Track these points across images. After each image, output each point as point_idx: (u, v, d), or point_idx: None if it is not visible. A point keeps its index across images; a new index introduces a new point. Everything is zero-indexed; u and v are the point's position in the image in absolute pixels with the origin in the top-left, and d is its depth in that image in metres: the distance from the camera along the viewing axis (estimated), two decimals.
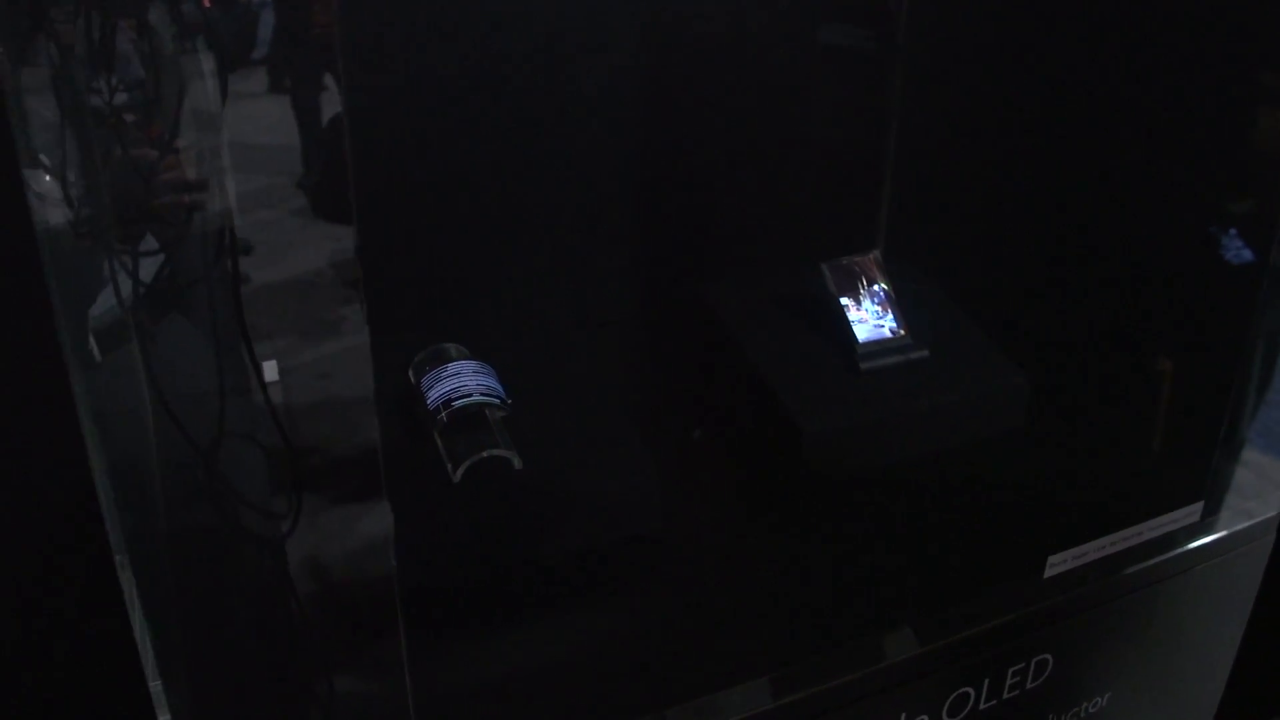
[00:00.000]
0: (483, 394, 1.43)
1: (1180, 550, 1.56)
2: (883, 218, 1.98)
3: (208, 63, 1.05)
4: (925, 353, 1.62)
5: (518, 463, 1.41)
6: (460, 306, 1.75)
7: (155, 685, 1.05)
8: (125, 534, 1.05)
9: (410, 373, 1.51)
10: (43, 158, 1.51)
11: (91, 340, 1.08)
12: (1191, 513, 1.56)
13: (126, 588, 1.02)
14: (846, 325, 1.61)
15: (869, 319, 1.62)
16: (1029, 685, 1.49)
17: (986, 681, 1.44)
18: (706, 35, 1.73)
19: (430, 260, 1.71)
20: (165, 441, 1.38)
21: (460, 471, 1.39)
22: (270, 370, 1.28)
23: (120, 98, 1.06)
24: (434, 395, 1.44)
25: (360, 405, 1.31)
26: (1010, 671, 1.46)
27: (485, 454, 1.40)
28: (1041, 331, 1.73)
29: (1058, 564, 1.43)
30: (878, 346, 1.61)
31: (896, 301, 1.64)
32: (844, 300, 1.62)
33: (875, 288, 1.64)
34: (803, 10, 1.81)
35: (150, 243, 1.42)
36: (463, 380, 1.45)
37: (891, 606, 1.40)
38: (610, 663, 1.34)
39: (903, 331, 1.62)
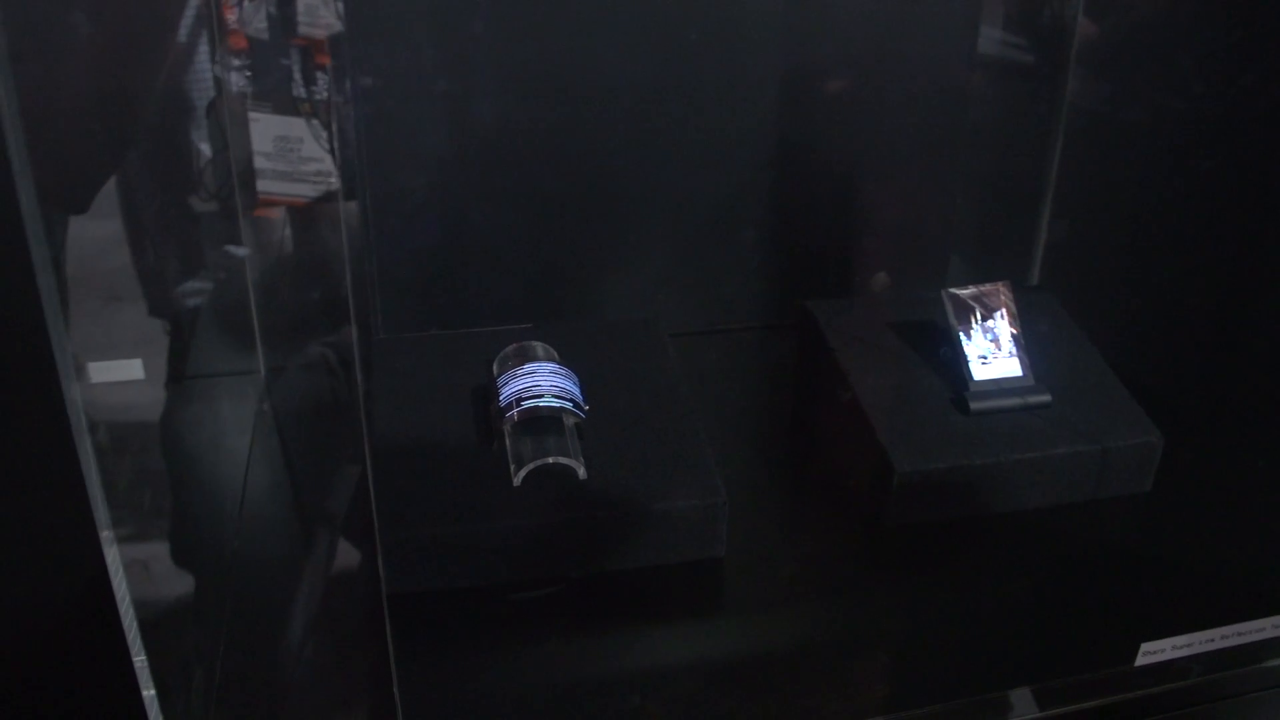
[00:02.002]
0: (555, 396, 1.39)
1: None
2: (1039, 247, 1.85)
3: None
4: (1047, 398, 1.49)
5: (582, 473, 1.35)
6: (565, 306, 1.73)
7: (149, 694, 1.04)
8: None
9: (494, 366, 1.47)
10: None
11: None
12: None
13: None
14: (961, 360, 1.50)
15: (987, 355, 1.51)
16: None
17: None
18: (852, 43, 1.65)
19: (545, 258, 1.69)
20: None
21: (521, 475, 1.34)
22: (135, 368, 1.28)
23: None
24: (506, 392, 1.40)
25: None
26: None
27: (549, 460, 1.35)
28: (1189, 390, 1.58)
29: (1153, 652, 1.29)
30: (993, 386, 1.49)
31: (1024, 339, 1.52)
32: (962, 332, 1.51)
33: (1000, 322, 1.52)
34: (962, 21, 1.70)
35: None
36: (537, 380, 1.40)
37: (959, 673, 1.29)
38: (653, 691, 1.27)
39: (1025, 372, 1.50)
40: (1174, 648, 1.30)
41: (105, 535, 0.99)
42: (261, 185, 1.51)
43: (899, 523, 1.44)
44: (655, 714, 1.23)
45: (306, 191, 1.52)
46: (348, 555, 1.43)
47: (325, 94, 1.49)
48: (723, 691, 1.26)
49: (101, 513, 0.97)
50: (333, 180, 1.54)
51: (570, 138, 1.62)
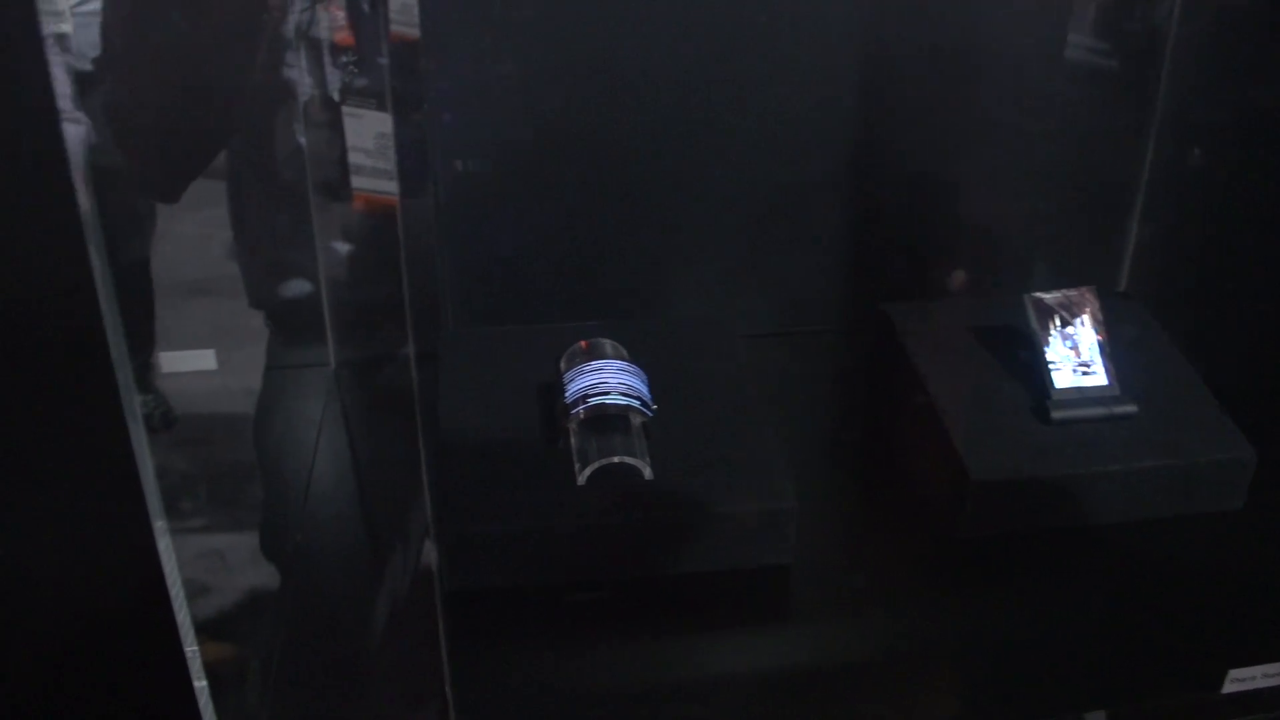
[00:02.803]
0: (623, 394, 1.36)
1: None
2: (1128, 253, 1.79)
3: None
4: (1133, 408, 1.44)
5: (648, 474, 1.33)
6: (634, 304, 1.70)
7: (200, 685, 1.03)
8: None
9: (561, 362, 1.45)
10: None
11: None
12: None
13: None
14: (1043, 367, 1.45)
15: (1071, 363, 1.45)
16: None
17: None
18: (937, 35, 1.61)
19: (615, 254, 1.67)
20: None
21: (585, 474, 1.32)
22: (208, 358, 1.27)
23: None
24: (573, 389, 1.37)
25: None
26: None
27: (615, 460, 1.32)
28: None
29: (1242, 680, 1.23)
30: (1076, 395, 1.44)
31: (1110, 347, 1.46)
32: (1044, 338, 1.46)
33: (1085, 329, 1.47)
34: (1052, 18, 1.65)
35: None
36: (605, 377, 1.37)
37: (1030, 694, 1.24)
38: (714, 700, 1.24)
39: (1110, 381, 1.45)
40: (1265, 675, 1.24)
41: (158, 526, 0.98)
42: (361, 182, 1.50)
43: (974, 534, 1.40)
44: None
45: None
46: (411, 552, 1.42)
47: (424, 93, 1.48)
48: (785, 703, 1.23)
49: (155, 503, 0.97)
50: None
51: (643, 132, 1.59)
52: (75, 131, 1.08)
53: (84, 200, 0.80)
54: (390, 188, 1.50)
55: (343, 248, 1.65)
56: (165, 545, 0.96)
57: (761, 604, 1.34)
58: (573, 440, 1.36)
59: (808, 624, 1.33)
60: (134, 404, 0.90)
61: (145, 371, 1.43)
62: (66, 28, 1.13)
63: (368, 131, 1.47)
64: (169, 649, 0.98)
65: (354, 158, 1.48)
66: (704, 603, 1.32)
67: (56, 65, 0.88)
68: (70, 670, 0.99)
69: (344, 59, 1.49)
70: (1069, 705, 1.24)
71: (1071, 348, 1.46)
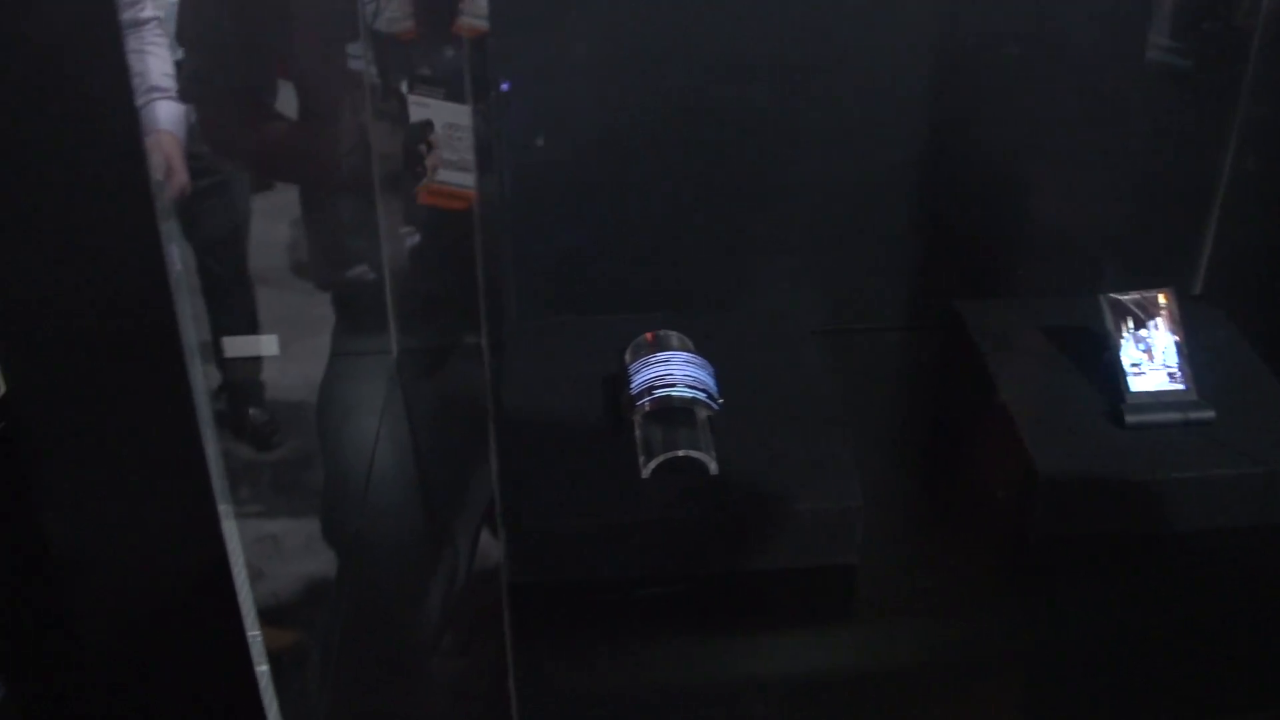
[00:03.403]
0: (689, 386, 1.34)
1: None
2: (1204, 256, 1.75)
3: None
4: (1211, 414, 1.40)
5: (713, 468, 1.31)
6: (704, 296, 1.69)
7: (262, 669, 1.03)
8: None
9: (627, 354, 1.44)
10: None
11: None
12: None
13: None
14: (1119, 369, 1.42)
15: (1147, 366, 1.42)
16: None
17: None
18: (1013, 29, 1.58)
19: (681, 246, 1.66)
20: None
21: (650, 468, 1.30)
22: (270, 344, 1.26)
23: None
24: (638, 380, 1.36)
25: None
26: None
27: (680, 453, 1.31)
28: None
29: None
30: (1151, 399, 1.41)
31: (1187, 351, 1.43)
32: (1120, 340, 1.43)
33: (1162, 332, 1.43)
34: (1133, 16, 1.61)
35: None
36: (671, 369, 1.36)
37: (1094, 704, 1.21)
38: (774, 699, 1.22)
39: (1187, 386, 1.42)
40: None
41: (223, 509, 0.98)
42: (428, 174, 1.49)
43: (1043, 536, 1.37)
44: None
45: (472, 182, 1.50)
46: (471, 542, 1.41)
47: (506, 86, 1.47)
48: (849, 704, 1.21)
49: (220, 487, 0.96)
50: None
51: (710, 124, 1.57)
52: (174, 109, 1.09)
53: (178, 178, 0.80)
54: (459, 179, 1.49)
55: (408, 236, 1.65)
56: (230, 529, 0.96)
57: (826, 603, 1.32)
58: (637, 433, 1.34)
59: (873, 625, 1.31)
60: (201, 387, 0.90)
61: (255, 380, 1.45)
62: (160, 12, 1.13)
63: (436, 122, 1.46)
64: (232, 632, 0.98)
65: (422, 148, 1.47)
66: (768, 601, 1.31)
67: (160, 46, 0.89)
68: (136, 651, 0.99)
69: (411, 50, 1.49)
70: (1133, 717, 1.21)
71: (1147, 351, 1.42)
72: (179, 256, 0.86)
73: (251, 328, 1.46)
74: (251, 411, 1.46)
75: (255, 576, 1.08)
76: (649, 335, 1.44)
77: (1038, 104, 1.61)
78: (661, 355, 1.38)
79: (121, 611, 0.97)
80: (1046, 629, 1.30)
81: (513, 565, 1.27)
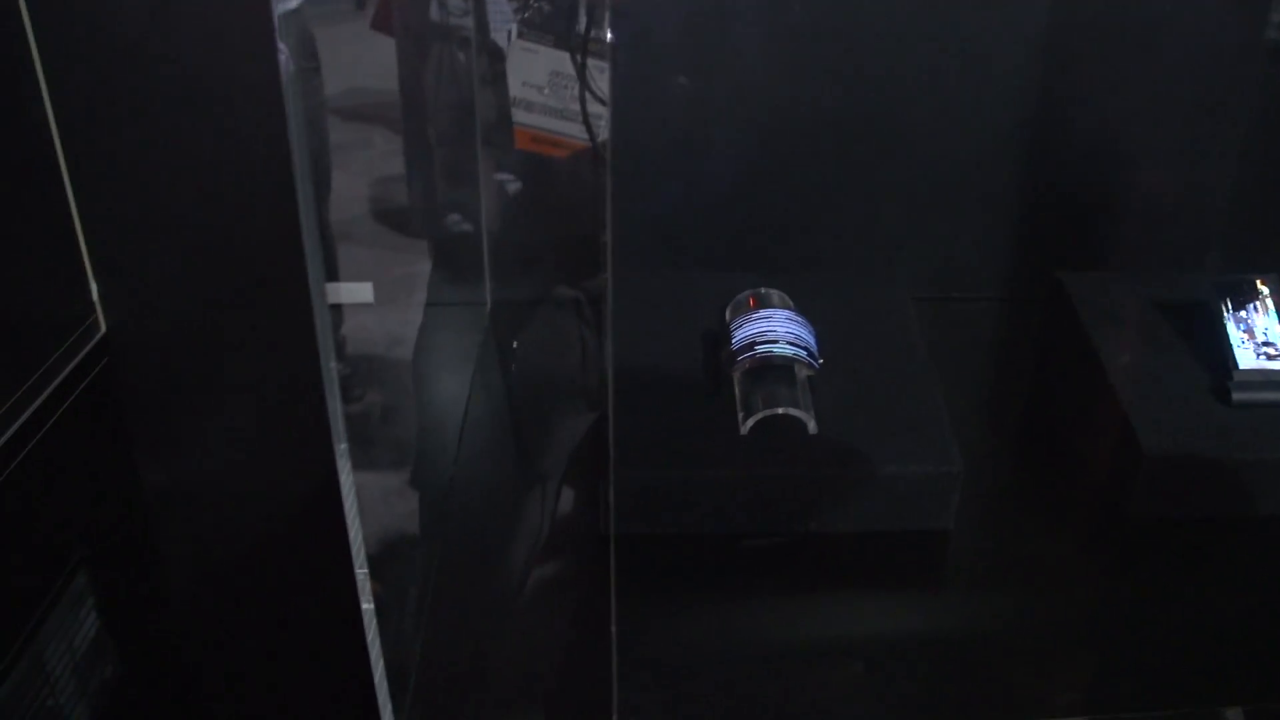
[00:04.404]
0: (790, 343, 1.33)
1: None
2: None
3: None
4: None
5: (813, 427, 1.30)
6: (807, 258, 1.67)
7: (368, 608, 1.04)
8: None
9: (728, 311, 1.43)
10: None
11: None
12: None
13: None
14: (1226, 346, 1.39)
15: (1255, 344, 1.39)
16: None
17: None
18: (1126, 10, 1.55)
19: (782, 210, 1.65)
20: None
21: (749, 424, 1.30)
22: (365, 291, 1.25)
23: None
24: (740, 335, 1.35)
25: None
26: None
27: (780, 410, 1.30)
28: None
29: None
30: (1260, 377, 1.38)
31: None
32: (1229, 317, 1.40)
33: (1271, 310, 1.41)
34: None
35: None
36: (773, 325, 1.35)
37: (1180, 684, 1.19)
38: (859, 664, 1.22)
39: None
40: None
41: (340, 448, 0.99)
42: (530, 119, 1.49)
43: (1144, 514, 1.35)
44: (865, 682, 1.18)
45: (575, 130, 1.49)
46: (565, 492, 1.41)
47: (607, 34, 1.46)
48: (934, 669, 1.20)
49: (339, 427, 0.97)
50: (602, 122, 1.51)
51: (815, 88, 1.56)
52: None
53: (293, 137, 0.80)
54: (562, 127, 1.48)
55: (509, 184, 1.65)
56: (345, 468, 0.96)
57: (919, 569, 1.31)
58: (737, 389, 1.34)
59: (964, 593, 1.30)
60: (327, 326, 0.90)
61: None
62: None
63: (542, 68, 1.46)
64: (341, 570, 0.98)
65: (526, 94, 1.47)
66: (861, 562, 1.30)
67: None
68: (251, 588, 1.01)
69: None
70: (1223, 699, 1.19)
71: (1249, 330, 1.40)
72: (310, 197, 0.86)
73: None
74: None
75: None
76: (750, 295, 1.43)
77: (1150, 79, 1.58)
78: (763, 311, 1.37)
79: (235, 548, 0.99)
80: (1140, 606, 1.28)
81: (613, 517, 1.27)
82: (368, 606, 1.06)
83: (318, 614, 1.17)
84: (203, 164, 1.46)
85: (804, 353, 1.34)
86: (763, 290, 1.44)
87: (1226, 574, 1.32)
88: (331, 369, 0.93)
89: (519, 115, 1.48)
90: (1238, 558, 1.34)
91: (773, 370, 1.33)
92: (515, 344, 1.64)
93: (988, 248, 1.68)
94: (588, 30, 1.43)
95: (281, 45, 0.84)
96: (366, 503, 1.34)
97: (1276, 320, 1.41)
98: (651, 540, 1.29)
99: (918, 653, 1.22)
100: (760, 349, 1.33)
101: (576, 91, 1.43)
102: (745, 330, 1.36)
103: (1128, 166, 1.64)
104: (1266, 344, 1.40)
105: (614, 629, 1.09)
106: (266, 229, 1.40)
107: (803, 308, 1.43)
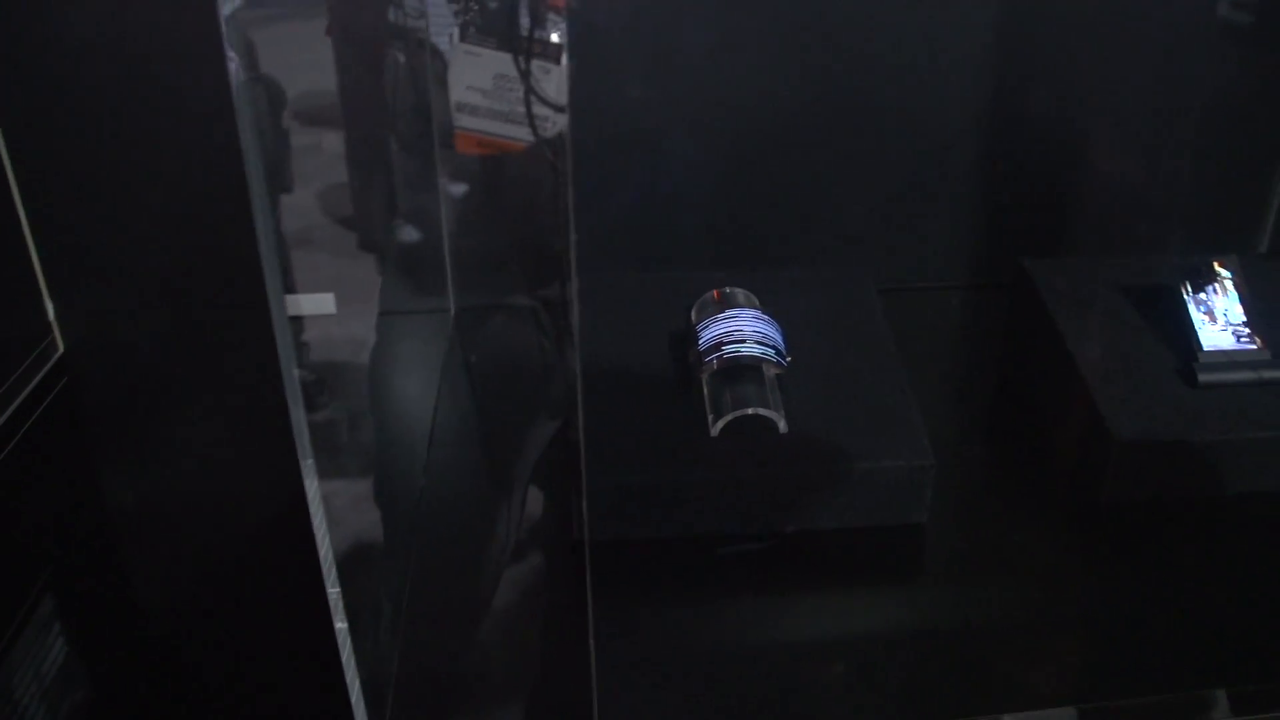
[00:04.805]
0: (757, 343, 1.33)
1: None
2: (1270, 214, 1.73)
3: None
4: None
5: (783, 426, 1.30)
6: (770, 253, 1.67)
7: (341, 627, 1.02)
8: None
9: (693, 312, 1.42)
10: None
11: None
12: None
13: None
14: (1190, 328, 1.40)
15: (1219, 325, 1.40)
16: None
17: None
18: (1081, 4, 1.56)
19: (744, 204, 1.64)
20: None
21: (720, 426, 1.29)
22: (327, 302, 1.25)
23: None
24: (706, 337, 1.35)
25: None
26: None
27: (749, 411, 1.30)
28: None
29: None
30: (1224, 358, 1.39)
31: (1262, 311, 1.41)
32: (1191, 299, 1.41)
33: (1232, 292, 1.42)
34: None
35: None
36: (739, 325, 1.34)
37: (1159, 666, 1.20)
38: (840, 661, 1.21)
39: (1259, 344, 1.40)
40: None
41: (306, 464, 0.97)
42: (474, 124, 1.47)
43: (1116, 497, 1.35)
44: (847, 679, 1.18)
45: (520, 134, 1.48)
46: (537, 500, 1.40)
47: (556, 36, 1.44)
48: (912, 661, 1.20)
49: (304, 442, 0.96)
50: (549, 124, 1.49)
51: (773, 81, 1.56)
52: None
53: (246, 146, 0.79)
54: (508, 130, 1.46)
55: (458, 191, 1.63)
56: (312, 485, 0.95)
57: (896, 562, 1.31)
58: (705, 390, 1.33)
59: (942, 584, 1.30)
60: (288, 341, 0.89)
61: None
62: None
63: (486, 71, 1.44)
64: (313, 590, 0.97)
65: (469, 98, 1.45)
66: (838, 558, 1.30)
67: None
68: (220, 611, 0.99)
69: None
70: (1202, 680, 1.20)
71: (1214, 311, 1.41)
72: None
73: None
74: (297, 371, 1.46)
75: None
76: (715, 293, 1.43)
77: (1104, 63, 1.59)
78: (729, 312, 1.37)
79: (204, 566, 0.97)
80: (1117, 590, 1.28)
81: (587, 523, 1.26)
82: (341, 625, 1.05)
83: (290, 632, 1.16)
84: (157, 178, 1.44)
85: (772, 351, 1.33)
86: (728, 289, 1.43)
87: (1200, 555, 1.33)
88: (294, 377, 0.92)
89: (462, 120, 1.46)
90: (1210, 538, 1.35)
91: (741, 370, 1.33)
92: (473, 357, 1.62)
93: (952, 236, 1.68)
94: (532, 31, 1.42)
95: (231, 53, 0.82)
96: (337, 514, 1.33)
97: (1237, 300, 1.42)
98: (626, 545, 1.29)
99: (897, 647, 1.22)
100: (728, 349, 1.32)
101: (522, 94, 1.42)
102: (712, 330, 1.35)
103: (1088, 152, 1.65)
104: (1228, 325, 1.41)
105: (591, 639, 1.09)
106: (224, 241, 1.38)
107: (768, 305, 1.42)
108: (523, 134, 1.45)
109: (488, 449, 1.49)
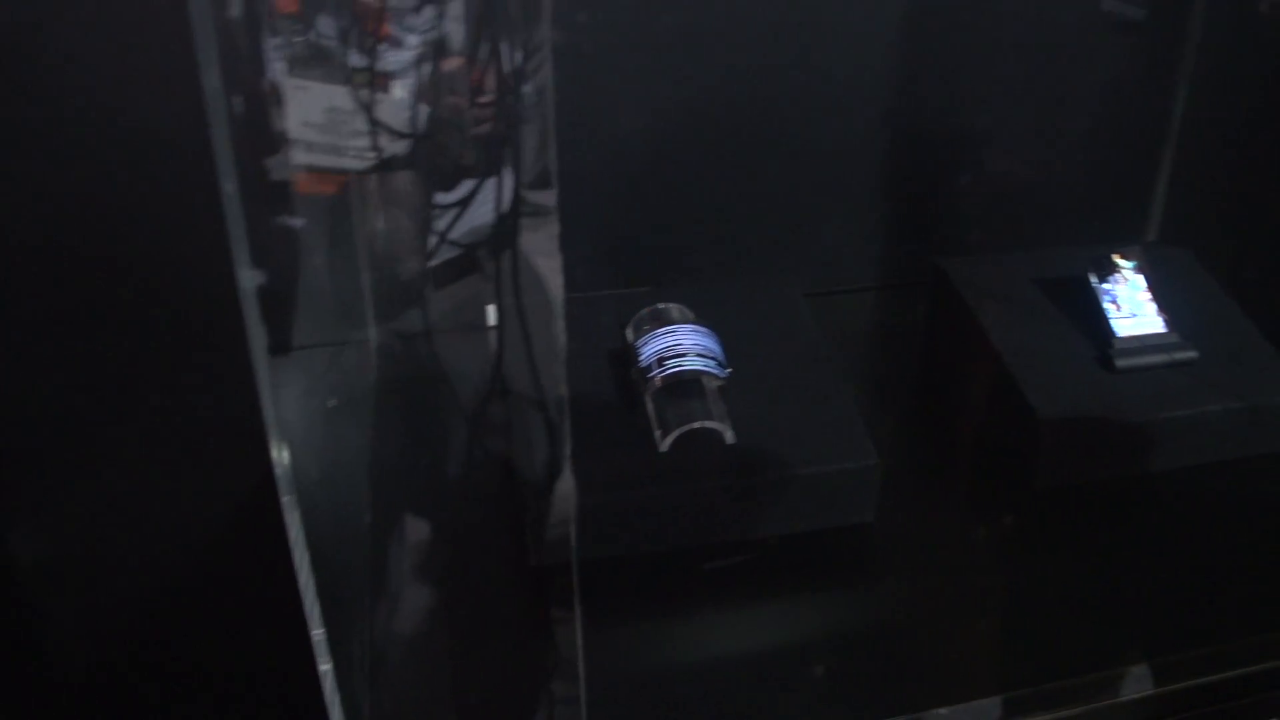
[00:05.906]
0: (699, 355, 1.35)
1: None
2: (1158, 203, 1.81)
3: None
4: (1194, 354, 1.45)
5: (730, 437, 1.32)
6: (689, 267, 1.69)
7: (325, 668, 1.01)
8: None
9: (629, 330, 1.43)
10: None
11: None
12: None
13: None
14: (1103, 316, 1.46)
15: (1129, 312, 1.47)
16: None
17: None
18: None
19: (659, 218, 1.65)
20: None
21: (668, 441, 1.31)
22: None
23: None
24: (647, 353, 1.36)
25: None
26: None
27: (696, 425, 1.31)
28: None
29: None
30: (1138, 343, 1.45)
31: (1164, 296, 1.48)
32: (1101, 289, 1.47)
33: (1137, 279, 1.48)
34: None
35: None
36: (679, 338, 1.36)
37: (1113, 637, 1.25)
38: (803, 665, 1.24)
39: (1168, 329, 1.46)
40: None
41: (286, 500, 0.96)
42: (311, 159, 1.42)
43: (1048, 483, 1.41)
44: (807, 680, 1.20)
45: (356, 165, 1.44)
46: (485, 526, 1.39)
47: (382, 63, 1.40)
48: (870, 657, 1.24)
49: (285, 481, 0.94)
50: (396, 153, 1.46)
51: (678, 92, 1.56)
52: None
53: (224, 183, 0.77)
54: (347, 164, 1.42)
55: (295, 223, 1.58)
56: (294, 523, 0.93)
57: (847, 562, 1.34)
58: (650, 407, 1.35)
59: (894, 581, 1.34)
60: (266, 380, 0.87)
61: None
62: None
63: (315, 105, 1.40)
64: (296, 632, 0.95)
65: (302, 133, 1.40)
66: (790, 563, 1.32)
67: None
68: (202, 656, 0.97)
69: (290, 27, 1.41)
70: (1144, 652, 1.25)
71: (1119, 300, 1.47)
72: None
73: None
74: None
75: None
76: (650, 309, 1.44)
77: (1004, 61, 1.64)
78: (666, 327, 1.38)
79: (185, 613, 0.95)
80: (1060, 574, 1.34)
81: (538, 547, 1.26)
82: (326, 667, 1.03)
83: (279, 679, 1.14)
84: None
85: (713, 363, 1.35)
86: (661, 306, 1.44)
87: (1130, 533, 1.39)
88: (273, 420, 0.90)
89: (300, 156, 1.41)
90: (1138, 516, 1.41)
91: (684, 385, 1.34)
92: (331, 401, 1.59)
93: (867, 238, 1.72)
94: (373, 55, 1.37)
95: None
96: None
97: (1141, 288, 1.48)
98: (583, 565, 1.29)
99: (856, 644, 1.25)
100: (669, 364, 1.34)
101: (358, 126, 1.37)
102: (652, 347, 1.36)
103: (985, 151, 1.70)
104: (1134, 313, 1.47)
105: (580, 668, 1.09)
106: (143, 267, 1.34)
107: (700, 317, 1.44)
108: (355, 165, 1.41)
109: (427, 479, 1.48)
